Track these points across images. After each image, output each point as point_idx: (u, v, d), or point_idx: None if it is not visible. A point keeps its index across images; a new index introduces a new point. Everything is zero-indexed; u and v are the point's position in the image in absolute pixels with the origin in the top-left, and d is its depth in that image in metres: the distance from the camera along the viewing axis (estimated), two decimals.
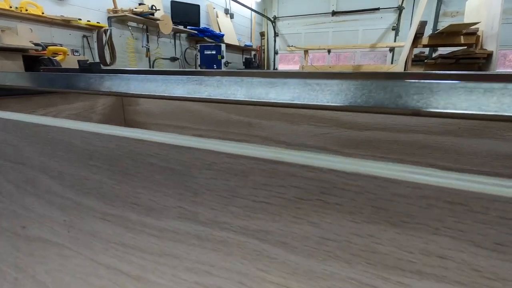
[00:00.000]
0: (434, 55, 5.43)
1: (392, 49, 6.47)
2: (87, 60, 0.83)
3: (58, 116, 0.69)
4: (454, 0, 5.72)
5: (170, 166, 0.22)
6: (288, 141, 0.64)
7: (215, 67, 5.07)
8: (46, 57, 2.62)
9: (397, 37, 6.33)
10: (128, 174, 0.25)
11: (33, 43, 2.65)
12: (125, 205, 0.26)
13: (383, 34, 6.52)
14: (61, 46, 3.08)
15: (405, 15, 6.14)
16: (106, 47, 3.68)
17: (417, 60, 4.35)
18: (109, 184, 0.27)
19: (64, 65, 2.58)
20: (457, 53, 3.90)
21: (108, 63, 3.70)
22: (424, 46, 4.45)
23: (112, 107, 0.81)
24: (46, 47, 2.73)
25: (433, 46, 4.91)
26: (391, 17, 6.32)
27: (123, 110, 0.83)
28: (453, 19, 5.84)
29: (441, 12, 5.88)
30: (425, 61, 4.34)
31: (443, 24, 5.79)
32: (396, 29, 6.27)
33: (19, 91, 0.60)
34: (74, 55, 3.27)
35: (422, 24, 4.15)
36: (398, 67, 4.39)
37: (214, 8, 5.61)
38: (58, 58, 2.72)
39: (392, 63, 6.44)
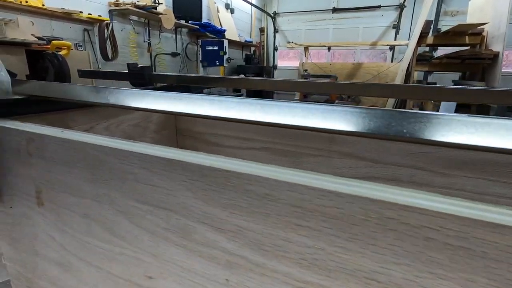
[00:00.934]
0: (434, 54, 5.45)
1: (392, 48, 6.49)
2: (136, 63, 0.75)
3: (120, 128, 0.62)
4: None
5: (474, 248, 0.17)
6: (377, 158, 0.59)
7: (218, 63, 4.98)
8: (50, 52, 2.48)
9: (397, 35, 6.36)
10: (373, 245, 0.20)
11: (35, 37, 2.51)
12: (358, 281, 0.21)
13: (383, 32, 6.53)
14: (62, 40, 2.94)
15: (406, 13, 6.16)
16: (108, 42, 3.54)
17: (421, 59, 4.35)
18: (330, 251, 0.21)
19: (68, 61, 2.45)
20: (463, 53, 3.92)
21: (110, 58, 3.57)
22: (428, 45, 4.46)
23: (165, 115, 0.74)
24: (50, 41, 2.59)
25: (437, 46, 4.93)
26: (392, 15, 6.33)
27: (174, 118, 0.76)
28: (453, 18, 5.88)
29: (441, 11, 5.91)
30: (430, 60, 4.34)
31: (443, 23, 5.83)
32: (396, 27, 6.29)
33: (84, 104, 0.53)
34: (77, 49, 3.13)
35: (428, 23, 4.14)
36: (402, 66, 4.39)
37: (215, 3, 5.49)
38: (62, 52, 2.58)
39: (392, 61, 6.45)
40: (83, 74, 0.81)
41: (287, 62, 7.60)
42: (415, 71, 4.37)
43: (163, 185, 0.27)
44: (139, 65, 0.70)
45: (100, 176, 0.32)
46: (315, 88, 0.84)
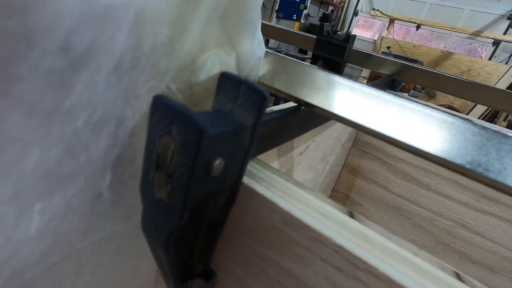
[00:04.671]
0: None
1: (497, 43, 5.43)
2: (330, 25, 0.45)
3: (327, 143, 0.36)
4: None
5: None
6: None
7: (295, 17, 4.45)
8: None
9: (510, 29, 5.28)
10: None
11: None
12: None
13: (492, 22, 5.45)
14: None
15: None
16: None
17: None
18: None
19: None
20: None
21: None
22: None
23: None
24: None
25: None
26: None
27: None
28: None
29: None
30: None
31: None
32: None
33: None
34: None
35: None
36: None
37: None
38: None
39: (490, 59, 5.42)
40: None
41: (364, 32, 6.76)
42: None
43: None
44: (339, 32, 0.41)
45: None
46: None
